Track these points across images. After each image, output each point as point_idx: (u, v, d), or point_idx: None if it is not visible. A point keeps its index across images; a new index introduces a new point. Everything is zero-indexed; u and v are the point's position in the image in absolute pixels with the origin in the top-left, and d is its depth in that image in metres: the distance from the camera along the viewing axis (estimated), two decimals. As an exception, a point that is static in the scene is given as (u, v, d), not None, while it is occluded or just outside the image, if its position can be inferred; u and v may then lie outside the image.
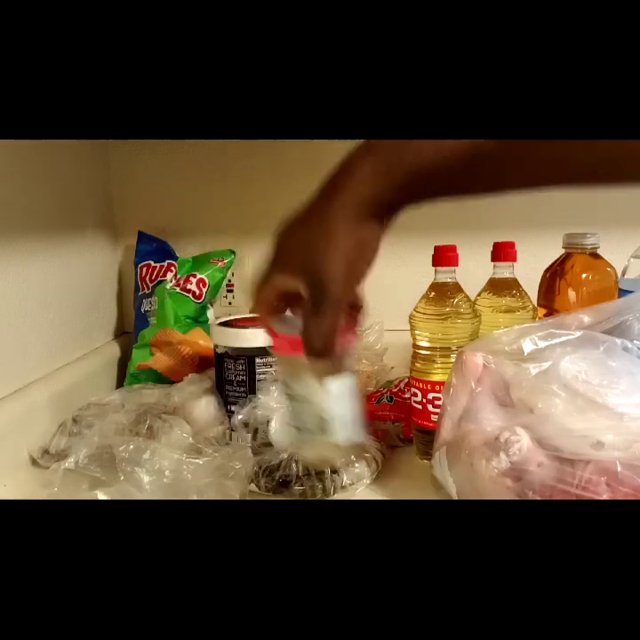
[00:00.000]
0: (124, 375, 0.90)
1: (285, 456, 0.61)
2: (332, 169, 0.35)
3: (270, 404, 0.66)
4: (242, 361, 0.70)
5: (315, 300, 0.34)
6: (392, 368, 0.84)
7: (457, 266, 0.65)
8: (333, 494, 0.59)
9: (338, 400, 0.40)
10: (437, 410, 0.62)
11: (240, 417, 0.66)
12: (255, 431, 0.65)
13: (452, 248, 0.65)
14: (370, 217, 0.34)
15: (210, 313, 0.93)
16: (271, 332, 0.40)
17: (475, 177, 0.33)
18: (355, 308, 0.37)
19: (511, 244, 0.68)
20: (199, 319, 0.91)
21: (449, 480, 0.54)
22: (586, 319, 0.56)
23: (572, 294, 0.69)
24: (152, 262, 0.93)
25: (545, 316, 0.70)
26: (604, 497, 0.46)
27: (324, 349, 0.35)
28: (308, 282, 0.34)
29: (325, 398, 0.39)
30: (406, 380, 0.73)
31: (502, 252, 0.68)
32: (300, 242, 0.35)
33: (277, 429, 0.64)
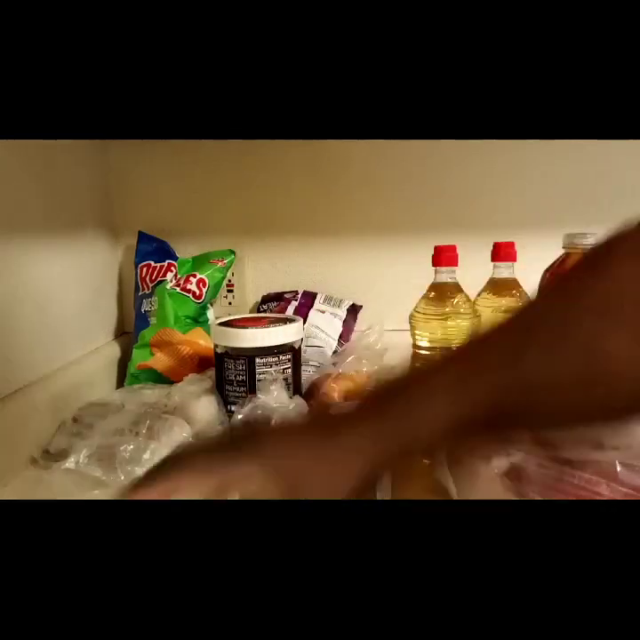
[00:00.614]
0: (124, 375, 0.90)
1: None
2: (329, 416, 0.40)
3: (270, 404, 0.66)
4: (242, 361, 0.70)
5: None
6: (392, 368, 0.84)
7: (457, 266, 0.65)
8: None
9: None
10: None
11: (240, 417, 0.66)
12: (255, 431, 0.65)
13: (452, 248, 0.65)
14: (370, 474, 0.37)
15: (210, 313, 0.93)
16: None
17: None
18: None
19: (511, 244, 0.68)
20: (199, 319, 0.91)
21: (449, 480, 0.54)
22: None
23: (572, 294, 0.69)
24: (152, 262, 0.93)
25: (545, 316, 0.70)
26: (604, 497, 0.46)
27: None
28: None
29: None
30: (406, 380, 0.73)
31: (502, 252, 0.68)
32: (300, 468, 0.37)
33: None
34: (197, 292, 0.91)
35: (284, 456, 0.37)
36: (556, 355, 0.32)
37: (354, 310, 0.93)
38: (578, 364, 0.32)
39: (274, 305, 0.92)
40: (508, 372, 0.33)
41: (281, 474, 0.36)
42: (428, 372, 0.37)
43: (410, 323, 0.66)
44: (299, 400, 0.68)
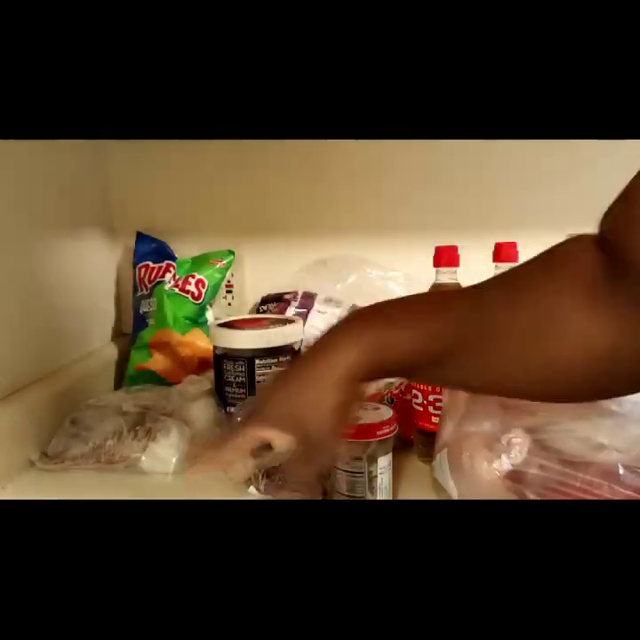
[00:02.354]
0: (122, 376, 0.90)
1: (285, 458, 0.61)
2: (318, 339, 0.42)
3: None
4: (241, 362, 0.70)
5: (306, 453, 0.42)
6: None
7: (458, 266, 0.65)
8: (333, 496, 0.59)
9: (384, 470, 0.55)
10: (438, 412, 0.62)
11: (239, 419, 0.66)
12: (254, 433, 0.65)
13: (453, 248, 0.64)
14: (353, 382, 0.40)
15: (209, 314, 0.93)
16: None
17: (443, 372, 0.41)
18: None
19: (513, 245, 0.68)
20: (198, 320, 0.91)
21: (450, 482, 0.54)
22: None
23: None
24: (150, 263, 0.93)
25: (546, 316, 0.70)
26: (606, 498, 0.45)
27: (309, 482, 0.45)
28: (302, 437, 0.41)
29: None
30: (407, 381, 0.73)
31: (504, 253, 0.68)
32: (294, 404, 0.41)
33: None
34: (196, 293, 0.90)
35: (277, 397, 0.42)
36: (512, 309, 0.38)
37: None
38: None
39: (273, 306, 0.92)
40: (471, 314, 0.39)
41: (279, 417, 0.42)
42: (407, 300, 0.42)
43: (410, 324, 0.66)
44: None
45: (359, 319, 0.43)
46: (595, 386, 0.38)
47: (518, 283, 0.40)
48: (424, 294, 0.42)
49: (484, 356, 0.39)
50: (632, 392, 0.39)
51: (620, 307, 0.35)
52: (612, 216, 0.37)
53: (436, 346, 0.39)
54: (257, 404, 0.43)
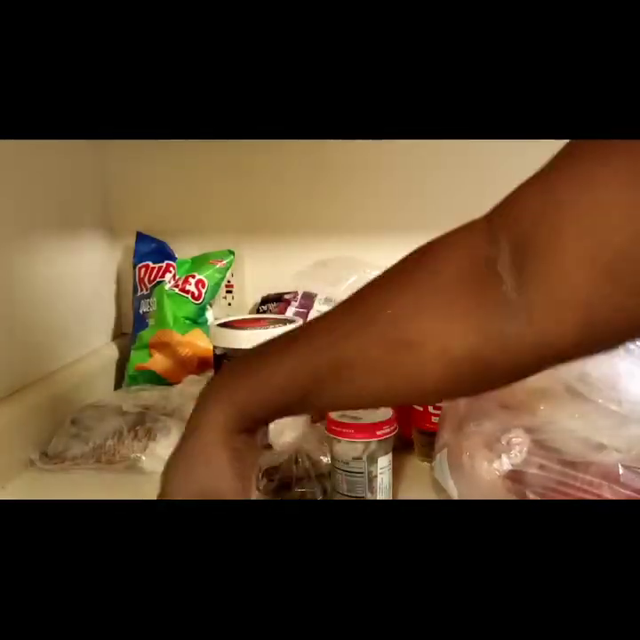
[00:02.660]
0: (122, 377, 0.90)
1: (285, 458, 0.61)
2: (194, 409, 0.44)
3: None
4: (241, 362, 0.70)
5: None
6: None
7: (457, 266, 0.65)
8: (333, 496, 0.59)
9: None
10: (438, 412, 0.62)
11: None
12: (254, 433, 0.65)
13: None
14: (235, 438, 0.41)
15: (209, 314, 0.93)
16: None
17: (317, 403, 0.41)
18: None
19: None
20: (198, 320, 0.91)
21: (450, 482, 0.54)
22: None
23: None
24: (150, 263, 0.93)
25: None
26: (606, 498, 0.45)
27: None
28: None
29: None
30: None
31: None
32: (192, 483, 0.41)
33: (277, 431, 0.63)
34: (196, 293, 0.90)
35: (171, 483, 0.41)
36: (364, 334, 0.37)
37: (353, 311, 0.92)
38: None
39: (273, 306, 0.92)
40: (329, 347, 0.38)
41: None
42: (268, 344, 0.42)
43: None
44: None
45: (225, 376, 0.44)
46: (463, 386, 0.37)
47: (370, 299, 0.38)
48: (285, 333, 0.42)
49: (347, 385, 0.38)
50: (505, 385, 0.37)
51: (489, 304, 0.33)
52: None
53: (298, 386, 0.39)
54: (163, 489, 0.42)
